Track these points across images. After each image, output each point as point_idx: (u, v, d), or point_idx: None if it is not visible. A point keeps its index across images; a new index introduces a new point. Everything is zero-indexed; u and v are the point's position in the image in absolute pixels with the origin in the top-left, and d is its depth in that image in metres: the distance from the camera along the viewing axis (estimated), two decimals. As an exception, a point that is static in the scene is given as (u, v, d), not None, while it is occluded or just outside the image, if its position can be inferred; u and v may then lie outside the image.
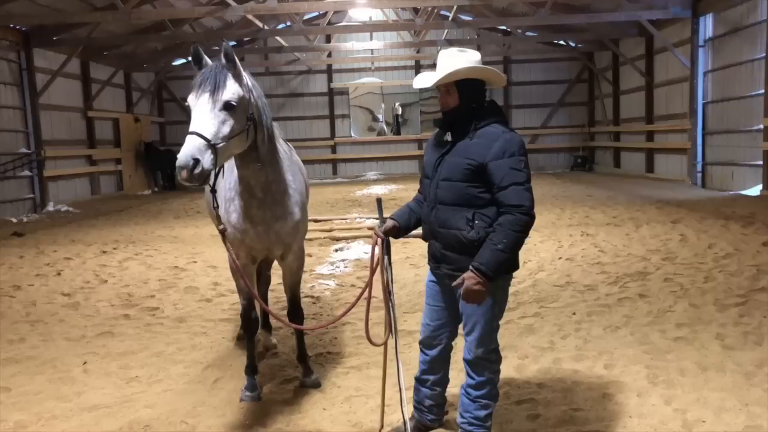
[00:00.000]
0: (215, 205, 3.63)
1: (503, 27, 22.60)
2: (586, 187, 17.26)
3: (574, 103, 24.92)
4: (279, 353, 5.05)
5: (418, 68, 24.50)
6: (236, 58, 3.43)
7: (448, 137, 3.20)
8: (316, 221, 11.36)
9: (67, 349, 5.32)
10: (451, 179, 3.11)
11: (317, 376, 4.38)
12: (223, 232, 3.60)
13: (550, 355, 4.70)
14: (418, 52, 23.63)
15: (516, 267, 3.25)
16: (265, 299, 5.43)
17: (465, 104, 3.13)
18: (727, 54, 15.33)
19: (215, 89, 3.28)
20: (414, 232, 3.42)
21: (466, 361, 3.27)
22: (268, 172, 3.80)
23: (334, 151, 25.33)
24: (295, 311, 4.37)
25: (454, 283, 3.04)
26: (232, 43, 22.25)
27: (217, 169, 3.35)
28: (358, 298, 3.46)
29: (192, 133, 3.18)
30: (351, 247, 9.59)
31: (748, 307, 5.62)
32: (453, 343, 3.45)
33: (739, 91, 14.72)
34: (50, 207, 16.48)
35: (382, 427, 3.57)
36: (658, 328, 5.21)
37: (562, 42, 23.28)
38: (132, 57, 21.55)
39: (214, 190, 3.58)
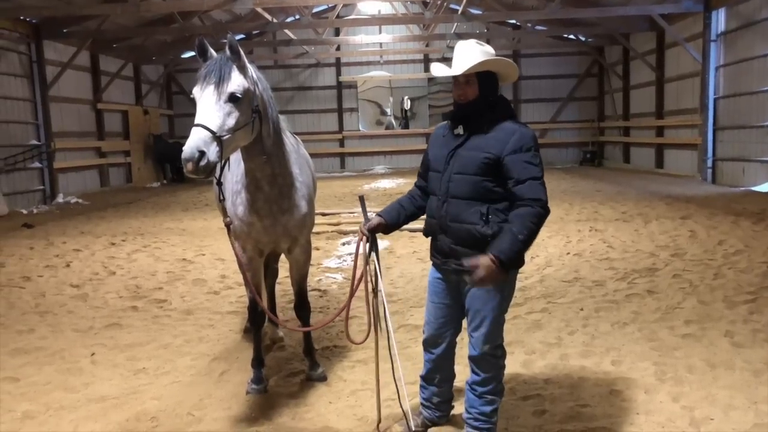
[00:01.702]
0: (221, 198, 3.63)
1: (513, 21, 22.48)
2: (595, 182, 17.18)
3: (584, 97, 24.76)
4: (285, 346, 5.06)
5: (427, 62, 24.42)
6: (241, 50, 3.42)
7: (461, 130, 3.16)
8: (323, 215, 11.36)
9: (76, 340, 5.35)
10: (465, 173, 3.07)
11: (323, 370, 4.38)
12: (228, 225, 3.60)
13: (557, 351, 4.68)
14: (427, 45, 23.54)
15: (522, 263, 3.23)
16: (272, 292, 5.44)
17: (483, 97, 3.10)
18: (739, 49, 15.18)
19: (220, 81, 3.27)
20: (415, 226, 3.41)
21: (471, 357, 3.24)
22: (274, 165, 3.79)
23: (342, 145, 25.30)
24: (301, 304, 4.37)
25: (468, 262, 2.91)
26: (241, 36, 22.27)
27: (222, 162, 3.34)
28: (349, 300, 3.48)
29: (197, 125, 3.17)
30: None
31: (758, 304, 5.58)
32: (458, 339, 3.43)
33: (751, 86, 14.56)
34: (60, 199, 16.59)
35: (380, 421, 3.55)
36: (667, 324, 5.18)
37: (572, 36, 23.12)
38: (141, 49, 21.59)
39: (220, 183, 3.58)
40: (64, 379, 4.47)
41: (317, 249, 8.56)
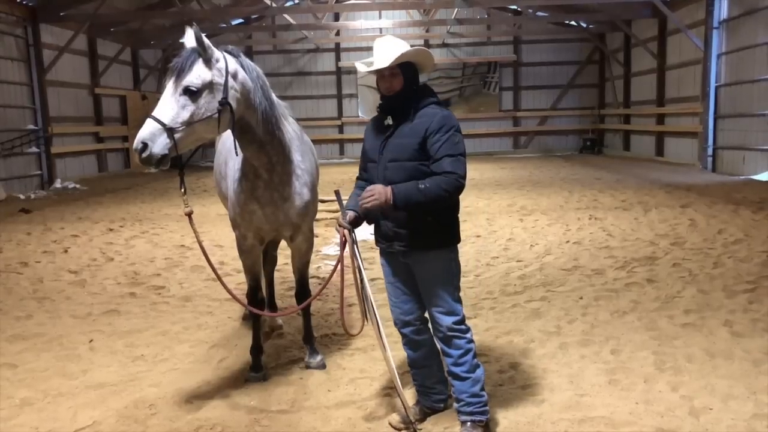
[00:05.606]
0: (182, 189, 3.56)
1: (514, 6, 22.31)
2: (594, 170, 17.14)
3: (585, 84, 24.66)
4: (284, 334, 5.05)
5: (427, 47, 24.19)
6: (206, 41, 3.37)
7: (389, 121, 3.28)
8: (322, 201, 11.19)
9: (74, 326, 5.34)
10: (399, 159, 3.19)
11: (322, 358, 4.37)
12: (189, 215, 3.57)
13: (557, 340, 4.67)
14: (427, 31, 23.38)
15: (458, 239, 3.33)
16: (271, 280, 5.42)
17: (408, 86, 3.24)
18: (741, 36, 15.08)
19: (179, 74, 3.29)
20: None
21: (438, 339, 3.34)
22: (270, 153, 3.78)
23: (341, 131, 25.22)
24: (303, 292, 4.36)
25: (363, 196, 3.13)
26: (240, 20, 22.07)
27: (177, 153, 3.28)
28: (325, 285, 3.61)
29: (150, 117, 3.21)
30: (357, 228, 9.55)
31: (758, 293, 5.57)
32: (426, 315, 3.45)
33: (753, 74, 14.50)
34: (57, 184, 16.53)
35: (406, 408, 3.46)
36: (666, 313, 5.17)
37: (573, 23, 22.98)
38: (139, 34, 21.41)
39: (182, 173, 3.51)
40: (63, 366, 4.46)
41: (317, 236, 8.53)
